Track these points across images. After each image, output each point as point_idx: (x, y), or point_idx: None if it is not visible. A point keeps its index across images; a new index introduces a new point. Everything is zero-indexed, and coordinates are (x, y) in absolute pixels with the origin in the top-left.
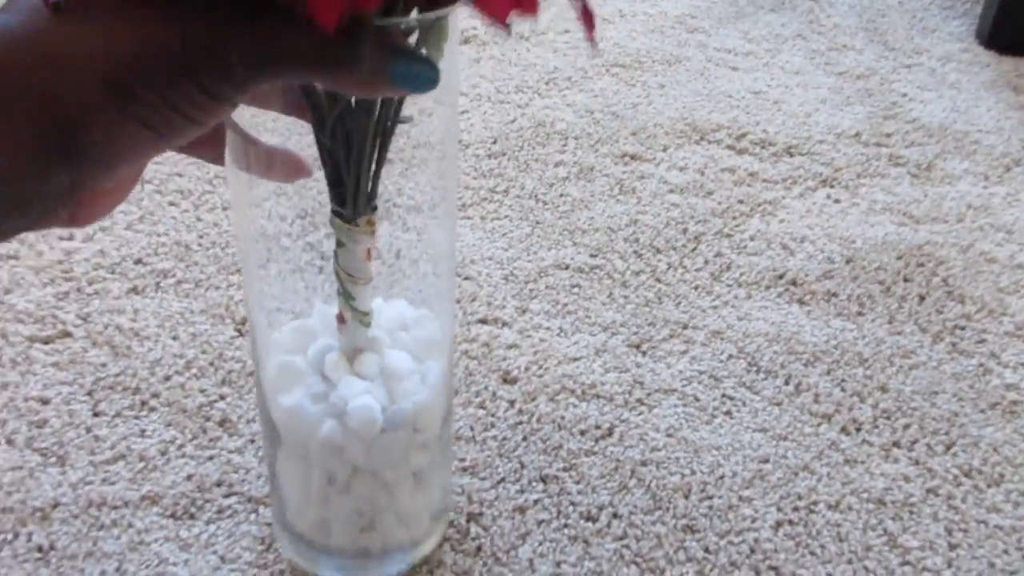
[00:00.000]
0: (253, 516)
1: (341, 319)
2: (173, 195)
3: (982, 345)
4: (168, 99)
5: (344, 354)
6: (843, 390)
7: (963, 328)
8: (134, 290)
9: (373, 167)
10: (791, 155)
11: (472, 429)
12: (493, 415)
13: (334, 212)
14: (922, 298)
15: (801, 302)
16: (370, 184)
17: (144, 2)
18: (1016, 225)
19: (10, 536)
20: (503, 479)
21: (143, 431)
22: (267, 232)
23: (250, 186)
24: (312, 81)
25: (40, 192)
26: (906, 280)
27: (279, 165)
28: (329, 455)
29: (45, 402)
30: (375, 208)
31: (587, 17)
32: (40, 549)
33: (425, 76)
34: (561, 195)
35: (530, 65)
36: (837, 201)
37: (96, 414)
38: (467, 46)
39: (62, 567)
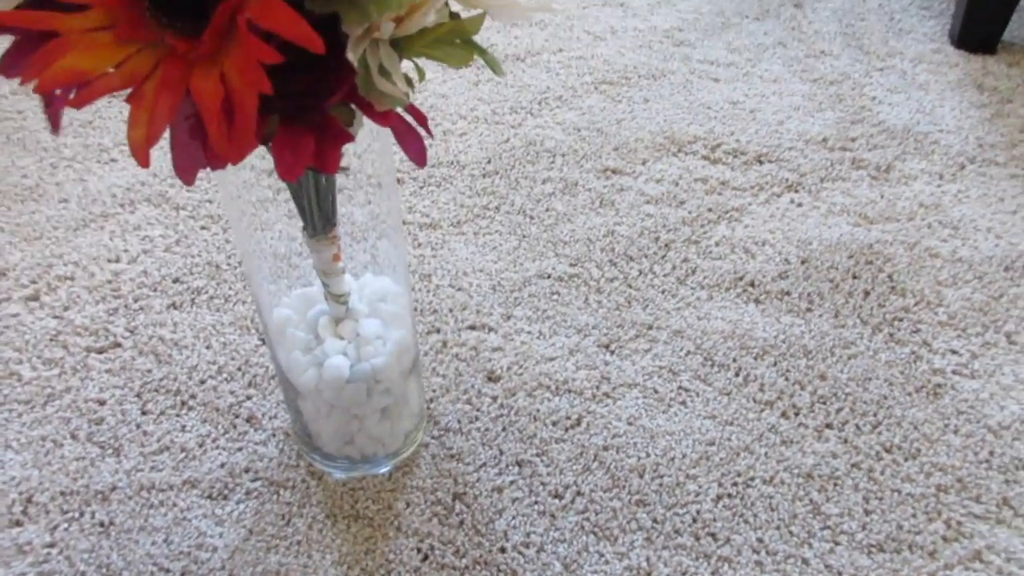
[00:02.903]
0: (275, 497)
1: None
2: (204, 220)
3: (916, 335)
4: None
5: (332, 319)
6: (786, 379)
7: (901, 320)
8: (173, 305)
9: (326, 199)
10: (760, 163)
11: (459, 422)
12: (478, 409)
13: (303, 230)
14: (867, 293)
15: (757, 301)
16: (321, 212)
17: None
18: (962, 221)
19: (77, 514)
20: (484, 464)
21: (183, 426)
22: (278, 251)
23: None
24: None
25: None
26: (854, 277)
27: None
28: (314, 393)
29: (102, 403)
30: (334, 224)
31: (409, 138)
32: (102, 524)
33: None
34: (547, 210)
35: (525, 86)
36: (800, 205)
37: (144, 412)
38: (467, 70)
39: (120, 539)
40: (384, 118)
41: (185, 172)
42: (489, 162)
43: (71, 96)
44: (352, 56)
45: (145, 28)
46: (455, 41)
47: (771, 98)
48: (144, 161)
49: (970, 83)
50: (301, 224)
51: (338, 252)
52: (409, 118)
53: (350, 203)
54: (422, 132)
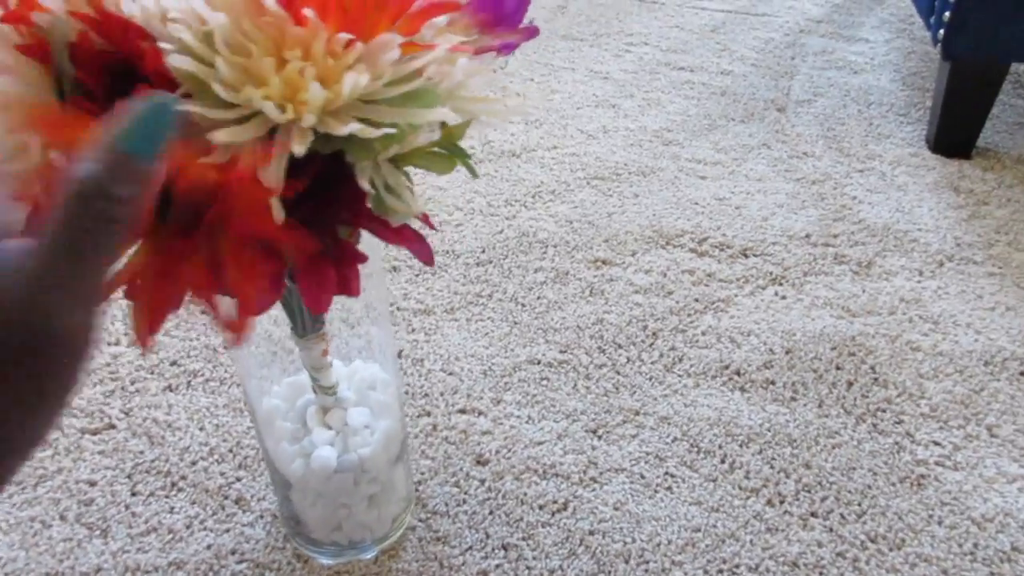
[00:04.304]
0: None
1: None
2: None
3: (899, 425)
4: None
5: (320, 408)
6: (772, 467)
7: (884, 411)
8: (169, 388)
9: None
10: (746, 256)
11: (446, 505)
12: (466, 492)
13: (292, 330)
14: (850, 384)
15: (742, 389)
16: (309, 316)
17: None
18: (942, 316)
19: None
20: (470, 547)
21: (172, 508)
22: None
23: None
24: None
25: None
26: (838, 368)
27: None
28: (301, 483)
29: (92, 484)
30: (322, 323)
31: (417, 245)
32: None
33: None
34: (538, 298)
35: (520, 180)
36: (784, 298)
37: (134, 494)
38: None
39: None
40: (398, 234)
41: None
42: (483, 251)
43: None
44: (365, 182)
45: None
46: (440, 151)
47: (756, 195)
48: (148, 348)
49: (947, 185)
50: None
51: (326, 348)
52: (415, 224)
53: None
54: (424, 228)
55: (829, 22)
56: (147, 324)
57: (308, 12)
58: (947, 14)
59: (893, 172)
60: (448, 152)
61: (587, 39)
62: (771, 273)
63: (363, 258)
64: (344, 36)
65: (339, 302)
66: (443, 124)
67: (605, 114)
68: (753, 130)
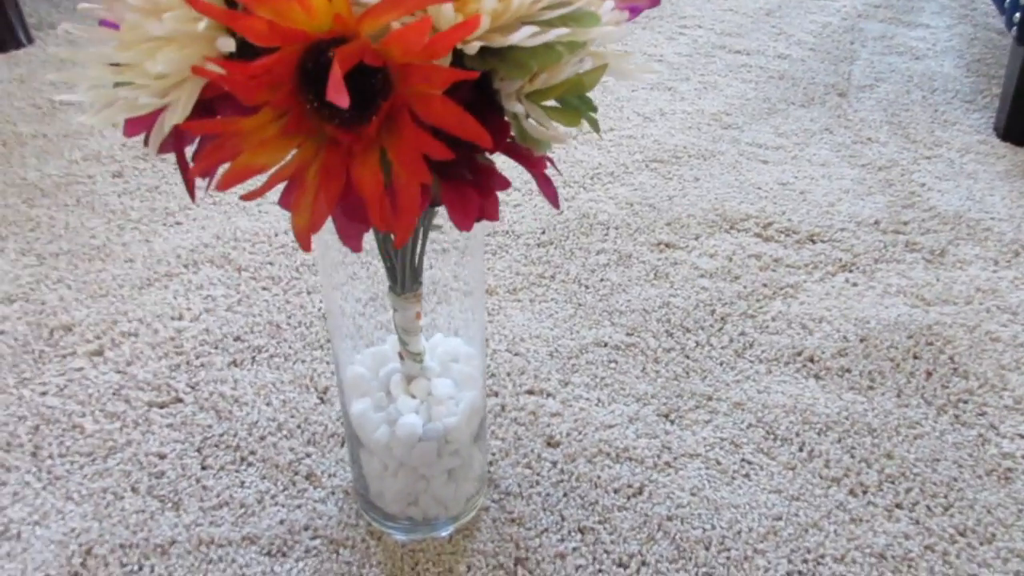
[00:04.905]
0: (335, 556)
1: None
2: (266, 281)
3: (982, 417)
4: None
5: (405, 377)
6: (852, 457)
7: (966, 402)
8: (234, 363)
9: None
10: (813, 242)
11: (519, 486)
12: (538, 474)
13: (390, 288)
14: (929, 374)
15: (817, 377)
16: (411, 270)
17: None
18: (1021, 307)
19: (136, 567)
20: (546, 529)
21: (243, 482)
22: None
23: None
24: None
25: None
26: (915, 357)
27: None
28: (383, 451)
29: (162, 457)
30: (420, 284)
31: (547, 184)
32: None
33: None
34: (602, 280)
35: (577, 162)
36: (855, 285)
37: (204, 467)
38: None
39: None
40: (538, 164)
41: (351, 239)
42: (543, 233)
43: (222, 178)
44: (512, 108)
45: (309, 121)
46: (570, 100)
47: (820, 181)
48: (307, 246)
49: (1019, 174)
50: (388, 283)
51: (420, 311)
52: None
53: (431, 268)
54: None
55: (888, 7)
56: (312, 221)
57: None
58: None
59: (961, 160)
60: (574, 106)
61: (639, 21)
62: (840, 259)
63: (505, 184)
64: None
65: (431, 278)
66: (575, 74)
67: (661, 96)
68: (814, 115)
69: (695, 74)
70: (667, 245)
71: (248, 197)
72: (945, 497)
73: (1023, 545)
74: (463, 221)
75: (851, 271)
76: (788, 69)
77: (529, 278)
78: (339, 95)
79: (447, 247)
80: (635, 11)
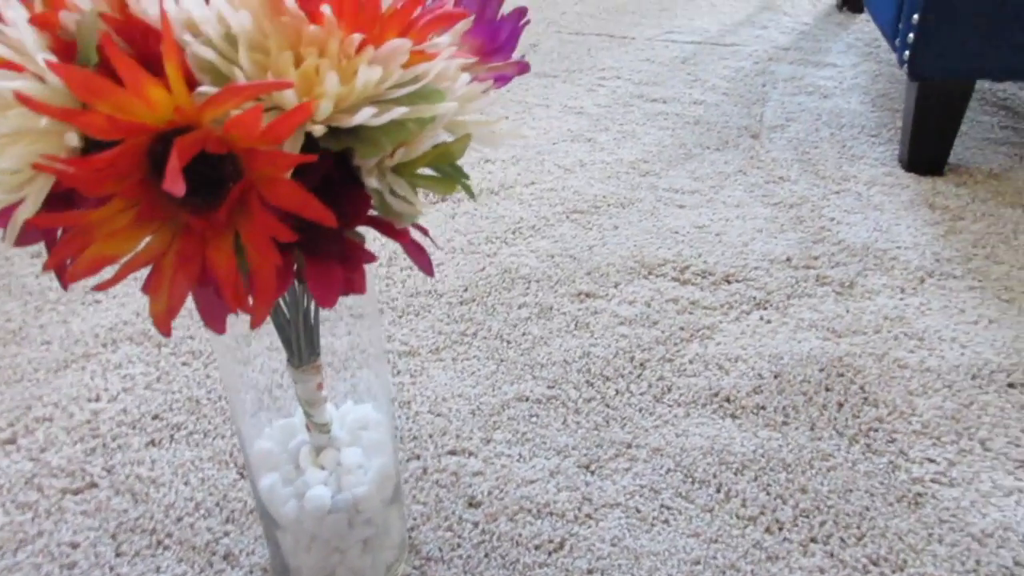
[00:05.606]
0: None
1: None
2: (186, 356)
3: (892, 444)
4: None
5: (314, 448)
6: (768, 494)
7: (876, 430)
8: (152, 443)
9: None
10: (729, 283)
11: (440, 550)
12: (460, 536)
13: (288, 360)
14: (840, 405)
15: (733, 416)
16: (307, 342)
17: None
18: (927, 332)
19: None
20: None
21: (158, 567)
22: (258, 384)
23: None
24: None
25: None
26: (827, 390)
27: None
28: (294, 525)
29: (75, 546)
30: (318, 354)
31: (418, 252)
32: None
33: None
34: (523, 334)
35: (499, 217)
36: (768, 322)
37: (119, 554)
38: (443, 204)
39: None
40: (402, 235)
41: (214, 322)
42: (466, 290)
43: (88, 276)
44: (371, 184)
45: (162, 208)
46: (443, 168)
47: (735, 221)
48: (166, 331)
49: (922, 202)
50: (285, 356)
51: (321, 381)
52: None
53: (331, 334)
54: (429, 245)
55: (797, 49)
56: (168, 307)
57: (326, 9)
58: (911, 35)
59: (868, 192)
60: (447, 174)
61: (559, 75)
62: (755, 298)
63: (370, 257)
64: (357, 37)
65: (329, 348)
66: (440, 145)
67: (581, 148)
68: (728, 157)
69: (614, 124)
70: (587, 295)
71: (101, 287)
72: (858, 527)
73: (933, 570)
74: (326, 297)
75: (765, 308)
76: (703, 114)
77: (451, 336)
78: (175, 184)
79: (343, 315)
80: (503, 80)
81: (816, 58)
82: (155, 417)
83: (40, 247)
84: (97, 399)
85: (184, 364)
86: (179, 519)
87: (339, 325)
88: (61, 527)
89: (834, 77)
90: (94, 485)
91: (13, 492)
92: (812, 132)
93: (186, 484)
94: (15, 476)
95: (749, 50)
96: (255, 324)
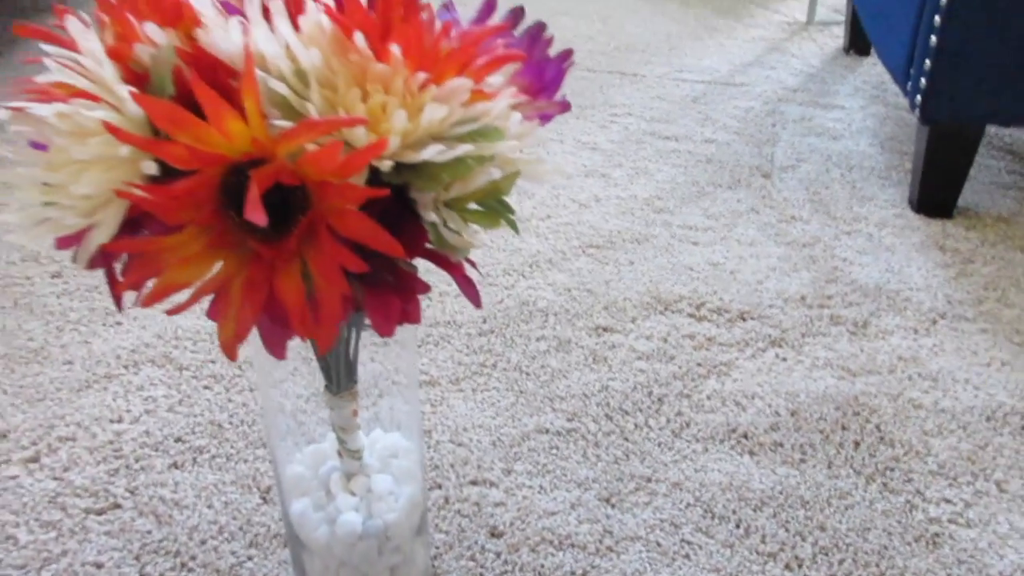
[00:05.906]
0: None
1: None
2: (207, 380)
3: (909, 484)
4: None
5: (344, 475)
6: (787, 531)
7: (892, 469)
8: (175, 465)
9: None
10: (744, 320)
11: None
12: (482, 566)
13: (326, 387)
14: (857, 444)
15: (751, 453)
16: (345, 368)
17: None
18: (940, 373)
19: None
20: None
21: None
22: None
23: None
24: None
25: None
26: (843, 428)
27: None
28: (324, 550)
29: (99, 566)
30: (355, 381)
31: (468, 285)
32: None
33: None
34: (542, 366)
35: (516, 250)
36: (784, 359)
37: (142, 575)
38: None
39: None
40: (456, 268)
41: (275, 347)
42: (485, 322)
43: (150, 295)
44: (428, 217)
45: (233, 236)
46: (489, 203)
47: (749, 260)
48: (233, 356)
49: (932, 245)
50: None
51: (356, 408)
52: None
53: (371, 361)
54: (475, 275)
55: (805, 90)
56: (237, 332)
57: (394, 48)
58: (923, 80)
59: (880, 233)
60: (493, 209)
61: (573, 111)
62: (770, 335)
63: (425, 288)
64: (422, 75)
65: (366, 375)
66: (492, 180)
67: (596, 183)
68: (741, 196)
69: (627, 160)
70: (605, 329)
71: (174, 311)
72: (877, 566)
73: None
74: (385, 326)
75: (780, 346)
76: (715, 153)
77: (471, 367)
78: (256, 214)
79: (381, 343)
80: (547, 118)
81: (825, 100)
82: (178, 440)
83: (60, 267)
84: (120, 420)
85: (206, 388)
86: (203, 542)
87: (378, 353)
88: (85, 547)
89: (843, 119)
90: (118, 506)
91: (37, 510)
92: (823, 173)
93: (209, 507)
94: (39, 495)
95: (758, 90)
96: (323, 350)
